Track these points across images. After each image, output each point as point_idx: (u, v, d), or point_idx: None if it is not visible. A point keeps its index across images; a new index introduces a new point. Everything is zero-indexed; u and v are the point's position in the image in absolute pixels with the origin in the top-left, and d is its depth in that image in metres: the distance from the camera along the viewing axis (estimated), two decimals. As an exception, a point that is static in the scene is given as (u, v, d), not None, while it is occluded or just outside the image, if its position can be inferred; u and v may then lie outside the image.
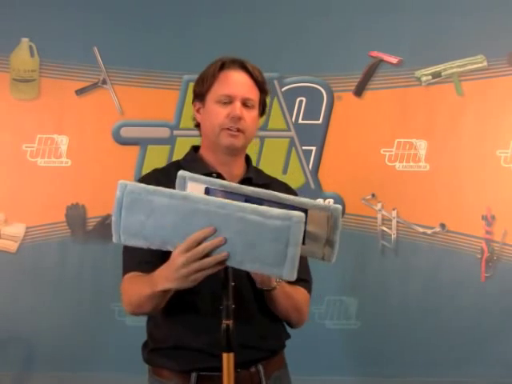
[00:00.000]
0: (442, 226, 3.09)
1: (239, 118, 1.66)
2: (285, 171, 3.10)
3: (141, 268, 1.60)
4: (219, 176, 1.69)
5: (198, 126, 1.78)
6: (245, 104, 1.68)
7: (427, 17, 3.11)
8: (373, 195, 3.09)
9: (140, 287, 1.55)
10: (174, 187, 1.55)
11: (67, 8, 3.10)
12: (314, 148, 3.12)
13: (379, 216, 3.10)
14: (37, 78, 3.13)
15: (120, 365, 2.90)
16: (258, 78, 1.70)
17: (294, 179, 3.08)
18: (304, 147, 3.11)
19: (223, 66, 1.70)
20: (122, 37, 3.10)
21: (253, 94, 1.70)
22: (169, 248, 1.38)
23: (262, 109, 1.77)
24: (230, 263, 1.35)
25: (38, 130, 3.12)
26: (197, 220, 1.34)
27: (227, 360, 1.42)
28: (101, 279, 3.04)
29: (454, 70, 3.11)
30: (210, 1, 3.14)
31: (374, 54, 3.12)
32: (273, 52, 3.10)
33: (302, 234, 1.31)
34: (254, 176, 1.74)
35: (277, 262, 1.31)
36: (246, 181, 1.70)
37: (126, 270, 1.65)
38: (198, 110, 1.75)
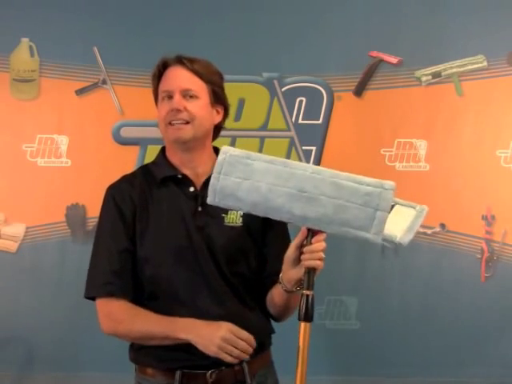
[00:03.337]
0: (442, 226, 3.09)
1: (178, 110, 1.67)
2: (285, 171, 3.10)
3: (124, 291, 1.68)
4: (184, 177, 1.70)
5: None
6: (186, 96, 1.69)
7: (427, 17, 3.11)
8: (373, 195, 3.08)
9: (150, 324, 1.63)
10: (136, 197, 1.69)
11: (67, 8, 3.10)
12: (313, 148, 3.12)
13: (379, 216, 3.09)
14: (37, 78, 3.13)
15: (119, 365, 2.88)
16: (197, 69, 1.71)
17: (294, 179, 3.08)
18: (304, 147, 3.11)
19: (163, 64, 1.73)
20: (122, 37, 3.10)
21: (192, 84, 1.70)
22: (257, 211, 1.48)
23: (218, 100, 1.75)
24: (320, 225, 1.45)
25: (38, 130, 3.12)
26: (292, 183, 1.44)
27: (304, 329, 1.48)
28: (101, 279, 3.04)
29: (454, 70, 3.11)
30: (210, 1, 3.14)
31: (374, 54, 3.12)
32: (273, 52, 3.10)
33: (391, 202, 1.43)
34: None
35: (364, 225, 1.42)
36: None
37: (100, 291, 1.70)
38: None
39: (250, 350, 1.53)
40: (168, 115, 1.68)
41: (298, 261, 1.53)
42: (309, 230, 1.50)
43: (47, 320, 3.05)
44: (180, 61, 1.71)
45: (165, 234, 1.66)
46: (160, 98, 1.72)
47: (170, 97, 1.69)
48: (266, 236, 1.75)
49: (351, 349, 3.07)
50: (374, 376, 3.04)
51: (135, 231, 1.68)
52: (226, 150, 1.48)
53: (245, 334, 1.53)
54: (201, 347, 1.55)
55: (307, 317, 1.48)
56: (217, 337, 1.52)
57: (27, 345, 3.09)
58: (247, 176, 1.46)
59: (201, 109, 1.70)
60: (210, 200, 1.49)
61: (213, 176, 1.47)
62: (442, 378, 3.04)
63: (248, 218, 1.71)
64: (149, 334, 1.61)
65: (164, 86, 1.71)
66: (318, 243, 1.49)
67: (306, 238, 1.50)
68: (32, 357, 3.09)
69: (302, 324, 1.47)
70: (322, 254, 1.50)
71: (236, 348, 1.54)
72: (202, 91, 1.71)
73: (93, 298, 1.73)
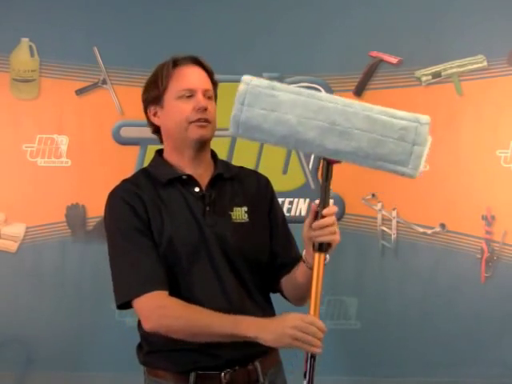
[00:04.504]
0: (442, 226, 3.09)
1: (205, 109, 1.67)
2: (285, 171, 3.10)
3: (164, 284, 1.62)
4: (189, 177, 1.70)
5: (156, 131, 1.77)
6: (205, 96, 1.69)
7: (427, 17, 3.11)
8: (373, 195, 3.09)
9: (213, 321, 1.56)
10: (145, 196, 1.66)
11: (67, 8, 3.11)
12: (314, 148, 3.11)
13: (379, 216, 3.10)
14: (37, 78, 3.13)
15: (120, 365, 2.89)
16: (210, 70, 1.72)
17: (294, 179, 3.09)
18: (304, 147, 3.11)
19: (175, 63, 1.71)
20: (122, 37, 3.11)
21: (209, 85, 1.72)
22: (286, 144, 1.43)
23: (215, 101, 1.77)
24: (354, 159, 1.43)
25: (38, 130, 3.12)
26: (323, 116, 1.40)
27: (318, 259, 1.46)
28: (101, 279, 3.03)
29: (454, 69, 3.11)
30: (210, 1, 3.14)
31: (374, 54, 3.12)
32: (273, 52, 3.10)
33: (427, 136, 1.40)
34: (223, 171, 1.74)
35: (402, 160, 1.40)
36: (216, 177, 1.72)
37: (144, 288, 1.63)
38: (154, 115, 1.75)
39: (321, 334, 1.45)
40: (192, 114, 1.67)
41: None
42: (318, 207, 1.48)
43: (47, 320, 3.05)
44: (197, 61, 1.71)
45: (181, 234, 1.65)
46: (175, 97, 1.68)
47: (190, 96, 1.68)
48: (271, 228, 1.75)
49: (351, 349, 3.07)
50: (374, 376, 3.04)
51: (151, 230, 1.68)
52: (247, 79, 1.45)
53: (310, 317, 1.46)
54: (272, 343, 1.49)
55: (321, 248, 1.46)
56: (287, 327, 1.46)
57: (27, 345, 3.09)
58: (273, 108, 1.41)
59: (215, 111, 1.72)
60: (232, 132, 1.45)
61: (235, 107, 1.43)
62: (442, 378, 3.04)
63: (253, 213, 1.71)
64: (211, 330, 1.56)
65: (185, 84, 1.68)
66: (326, 218, 1.47)
67: (316, 215, 1.48)
68: (32, 357, 3.09)
69: (316, 255, 1.46)
70: (333, 228, 1.47)
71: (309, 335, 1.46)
72: (213, 92, 1.73)
73: (125, 305, 1.68)
